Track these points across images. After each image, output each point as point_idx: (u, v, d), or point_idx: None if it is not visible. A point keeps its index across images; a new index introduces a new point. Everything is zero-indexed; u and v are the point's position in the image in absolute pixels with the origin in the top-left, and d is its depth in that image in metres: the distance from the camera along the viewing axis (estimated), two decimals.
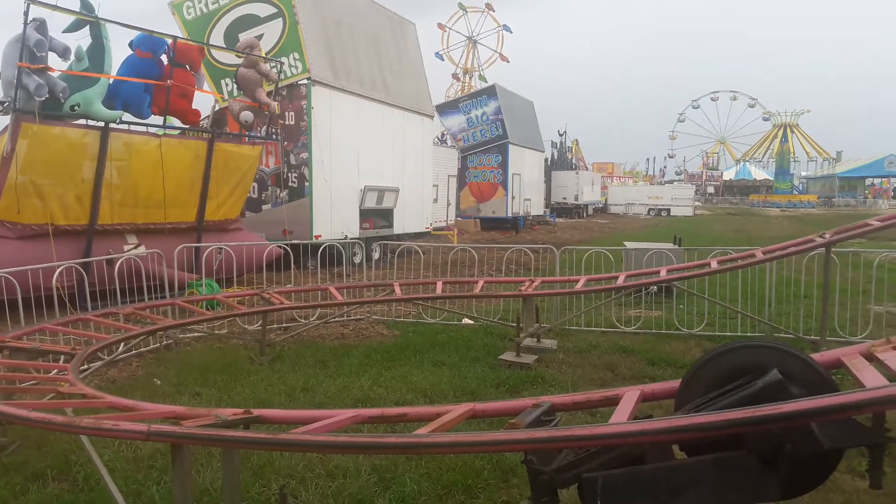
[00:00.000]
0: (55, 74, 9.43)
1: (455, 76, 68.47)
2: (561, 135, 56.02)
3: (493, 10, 67.95)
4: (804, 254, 8.17)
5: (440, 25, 68.65)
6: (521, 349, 7.21)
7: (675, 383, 3.26)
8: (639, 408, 3.17)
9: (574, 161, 61.12)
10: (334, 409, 5.31)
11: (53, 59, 9.45)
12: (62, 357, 5.79)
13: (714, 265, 8.04)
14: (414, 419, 3.56)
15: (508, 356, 7.20)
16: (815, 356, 3.11)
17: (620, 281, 8.06)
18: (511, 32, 69.12)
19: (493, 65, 68.47)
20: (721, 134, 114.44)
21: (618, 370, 6.95)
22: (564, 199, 47.36)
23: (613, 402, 3.25)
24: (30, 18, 8.87)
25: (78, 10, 9.56)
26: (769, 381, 2.74)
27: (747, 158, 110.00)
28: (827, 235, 7.40)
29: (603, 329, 8.83)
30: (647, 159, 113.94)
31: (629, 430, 2.55)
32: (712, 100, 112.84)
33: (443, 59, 68.50)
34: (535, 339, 7.78)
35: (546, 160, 43.34)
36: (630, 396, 3.19)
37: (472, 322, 9.19)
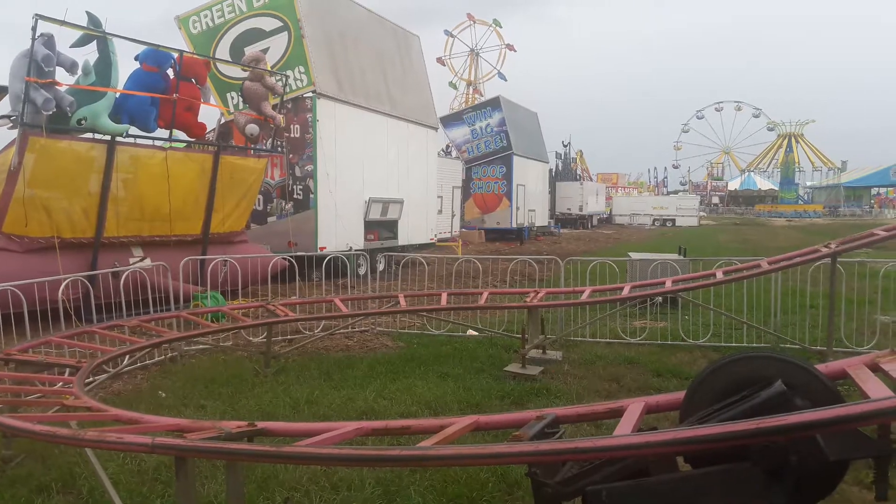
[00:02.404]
0: (62, 89, 9.50)
1: (453, 85, 68.64)
2: (565, 146, 56.13)
3: (475, 19, 68.25)
4: (810, 264, 8.15)
5: (439, 60, 68.86)
6: (526, 361, 7.20)
7: (680, 395, 3.26)
8: (643, 419, 3.17)
9: (578, 172, 61.15)
10: (339, 421, 5.31)
11: (61, 74, 9.52)
12: (67, 370, 5.80)
13: (719, 276, 8.03)
14: (418, 431, 3.56)
15: (514, 368, 7.18)
16: (820, 367, 3.10)
17: (625, 292, 8.05)
18: (501, 26, 68.96)
19: (505, 61, 68.52)
20: (726, 144, 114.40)
21: (623, 381, 6.93)
22: (569, 209, 47.39)
23: (618, 413, 3.25)
24: (38, 33, 8.93)
25: (85, 26, 9.64)
26: (773, 392, 2.73)
27: (752, 168, 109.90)
28: (833, 245, 7.39)
29: (608, 340, 8.81)
30: (648, 170, 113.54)
31: (633, 443, 2.54)
32: (717, 110, 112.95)
33: (444, 66, 68.67)
34: (541, 351, 7.76)
35: (550, 171, 43.40)
36: (634, 408, 3.18)
37: (476, 333, 9.18)
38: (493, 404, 6.07)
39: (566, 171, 53.89)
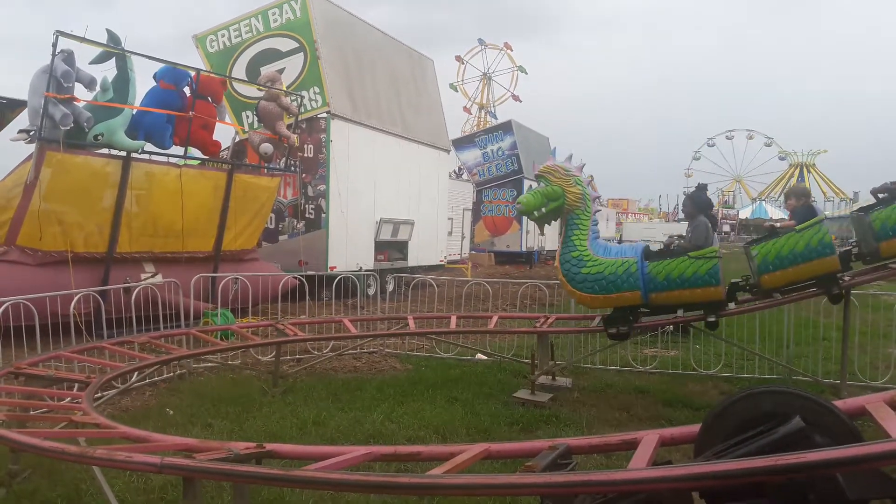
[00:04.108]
0: (80, 104, 9.61)
1: (466, 109, 68.94)
2: None
3: (511, 50, 68.73)
4: (823, 295, 8.05)
5: (458, 58, 69.48)
6: (535, 387, 7.14)
7: (695, 428, 3.21)
8: (657, 452, 3.12)
9: None
10: (346, 444, 5.27)
11: (79, 90, 9.64)
12: (76, 385, 5.79)
13: (731, 305, 7.94)
14: (427, 458, 3.52)
15: (523, 394, 7.12)
16: (839, 403, 3.05)
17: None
18: (526, 73, 69.50)
19: (505, 102, 69.02)
20: (737, 172, 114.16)
21: (633, 411, 6.85)
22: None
23: (632, 445, 3.21)
24: (58, 50, 9.05)
25: (105, 43, 9.76)
26: (792, 428, 2.69)
27: (763, 197, 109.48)
28: (846, 278, 7.31)
29: (618, 368, 8.73)
30: (659, 196, 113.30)
31: (648, 477, 2.50)
32: (728, 138, 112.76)
33: (456, 91, 69.05)
34: (550, 377, 7.69)
35: None
36: (649, 440, 3.14)
37: (486, 358, 9.13)
38: (501, 430, 6.01)
39: None
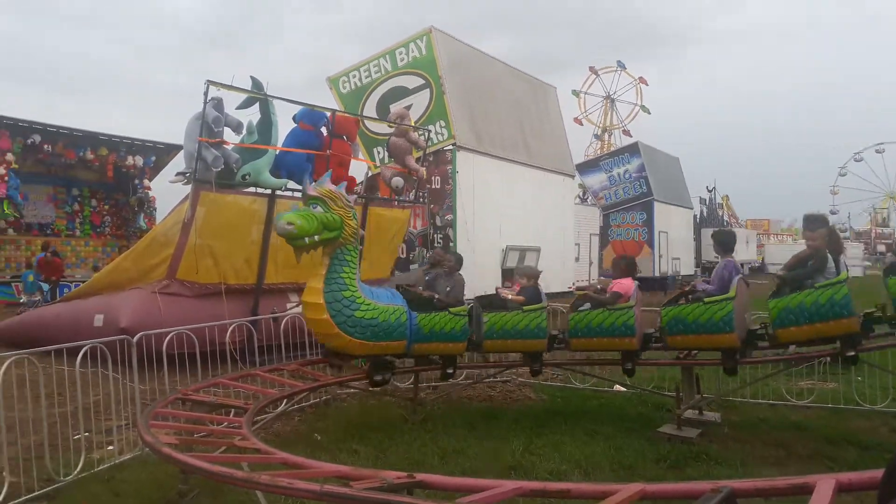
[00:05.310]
0: (229, 147, 10.37)
1: (577, 120, 67.96)
2: (710, 191, 53.67)
3: (646, 85, 67.54)
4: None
5: (591, 68, 68.94)
6: (682, 422, 6.80)
7: (877, 473, 2.91)
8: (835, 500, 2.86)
9: (725, 218, 58.14)
10: (487, 475, 5.24)
11: (228, 134, 10.42)
12: (233, 410, 6.17)
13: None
14: (578, 496, 3.44)
15: (668, 429, 6.79)
16: None
17: (791, 349, 7.41)
18: (649, 113, 68.01)
19: (635, 119, 67.53)
20: (890, 188, 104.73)
21: (791, 448, 6.35)
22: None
23: (804, 490, 2.97)
24: (209, 97, 9.83)
25: (250, 89, 10.50)
26: None
27: None
28: None
29: (771, 401, 8.15)
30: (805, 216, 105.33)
31: None
32: (877, 152, 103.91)
33: (577, 97, 68.34)
34: (697, 412, 7.30)
35: (694, 217, 41.67)
36: (825, 486, 2.89)
37: (624, 389, 8.82)
38: (648, 467, 5.75)
39: (712, 217, 51.39)
